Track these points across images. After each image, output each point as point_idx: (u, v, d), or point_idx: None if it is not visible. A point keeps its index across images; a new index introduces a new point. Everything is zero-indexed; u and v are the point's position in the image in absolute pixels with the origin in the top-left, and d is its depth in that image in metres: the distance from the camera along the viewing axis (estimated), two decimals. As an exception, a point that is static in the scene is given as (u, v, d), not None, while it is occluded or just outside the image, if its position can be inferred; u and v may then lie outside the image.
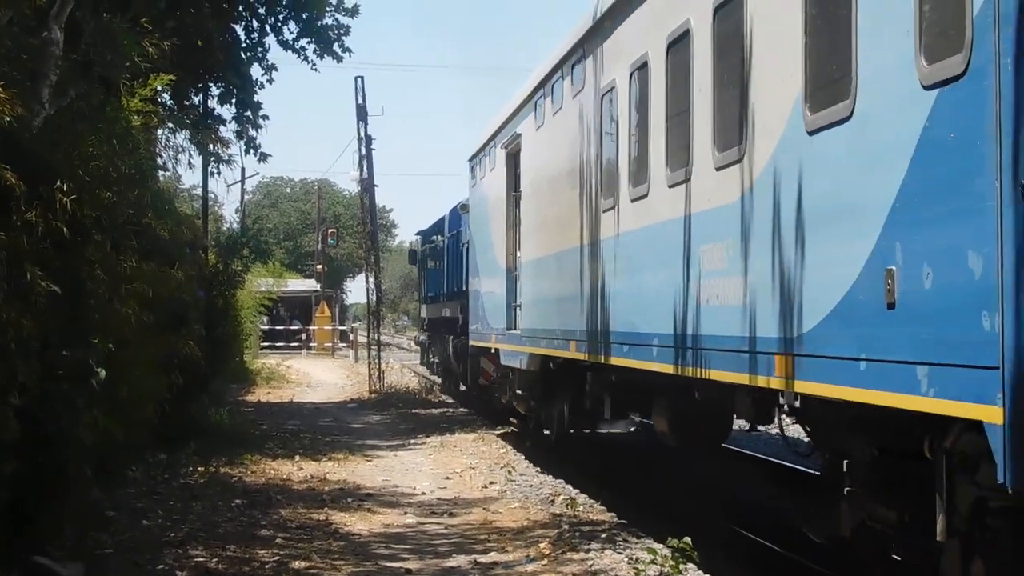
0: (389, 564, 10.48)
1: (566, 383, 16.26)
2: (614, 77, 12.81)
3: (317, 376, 42.40)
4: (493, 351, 21.40)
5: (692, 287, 10.04)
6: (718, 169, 9.43)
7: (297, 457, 17.95)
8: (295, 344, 62.74)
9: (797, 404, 8.11)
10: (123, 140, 12.23)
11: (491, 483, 15.51)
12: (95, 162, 10.81)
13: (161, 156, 18.64)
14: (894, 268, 6.60)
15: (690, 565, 9.55)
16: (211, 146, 23.62)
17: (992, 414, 5.63)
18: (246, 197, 71.55)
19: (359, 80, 36.36)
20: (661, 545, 10.27)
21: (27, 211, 8.74)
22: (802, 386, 7.79)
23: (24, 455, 8.83)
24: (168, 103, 19.47)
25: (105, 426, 10.66)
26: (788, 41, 8.02)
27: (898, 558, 7.70)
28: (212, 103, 23.35)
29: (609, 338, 12.94)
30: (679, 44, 10.50)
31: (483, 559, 10.66)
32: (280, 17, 23.31)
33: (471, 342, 24.17)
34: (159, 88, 15.01)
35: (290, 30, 23.46)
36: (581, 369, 15.06)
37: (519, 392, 19.30)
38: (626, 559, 10.26)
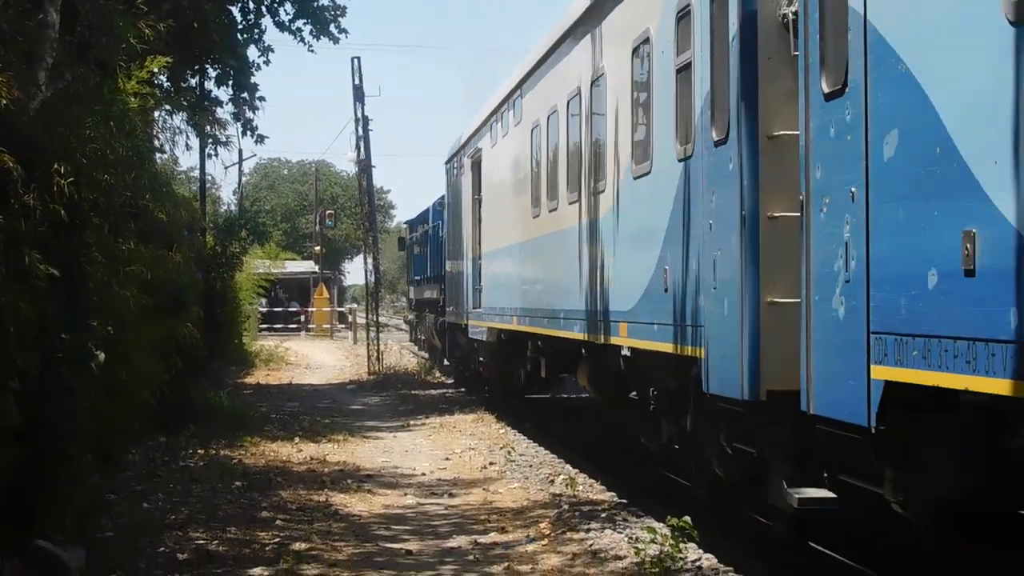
0: (389, 545, 10.50)
1: (516, 351, 19.50)
2: (538, 116, 16.92)
3: (316, 358, 42.42)
4: (463, 326, 24.73)
5: (582, 277, 14.08)
6: (592, 195, 13.67)
7: (296, 439, 17.97)
8: (293, 326, 62.73)
9: (629, 354, 12.10)
10: (120, 122, 12.19)
11: (491, 463, 15.53)
12: (92, 145, 10.78)
13: (158, 138, 18.63)
14: (667, 267, 10.66)
15: (690, 544, 9.56)
16: (208, 128, 23.60)
17: (700, 352, 9.61)
18: (243, 179, 71.42)
19: (356, 61, 36.31)
20: (661, 524, 10.29)
21: (24, 194, 8.72)
22: (631, 342, 11.94)
23: (24, 440, 8.83)
24: (165, 85, 19.42)
25: (104, 410, 10.67)
26: (624, 120, 12.46)
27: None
28: (209, 85, 23.30)
29: (536, 313, 17.09)
30: (574, 101, 14.67)
31: (483, 539, 10.68)
32: (276, -3, 23.25)
33: (448, 320, 27.93)
34: (156, 70, 14.96)
35: (286, 11, 23.41)
36: (524, 338, 18.43)
37: (482, 360, 23.60)
38: (626, 538, 10.29)
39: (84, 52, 12.51)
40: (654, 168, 11.22)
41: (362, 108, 36.47)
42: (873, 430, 6.81)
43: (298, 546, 10.22)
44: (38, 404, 9.11)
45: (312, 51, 24.93)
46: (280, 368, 36.58)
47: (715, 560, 9.55)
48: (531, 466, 15.29)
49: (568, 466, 15.15)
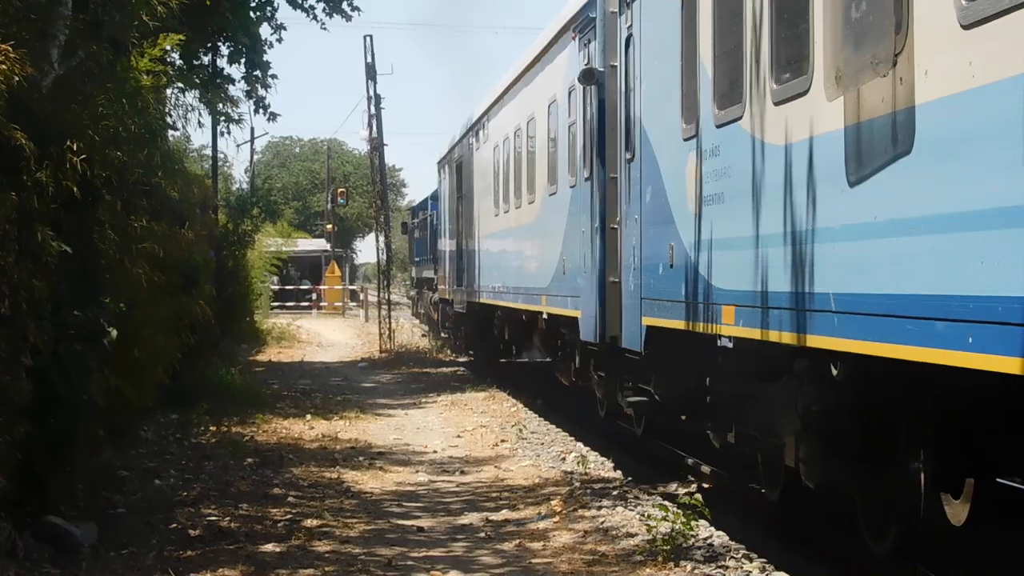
0: (401, 522, 10.50)
1: (487, 321, 24.33)
2: (498, 139, 21.82)
3: (327, 336, 42.48)
4: (449, 300, 30.12)
5: (524, 262, 19.24)
6: (528, 203, 18.87)
7: (308, 416, 17.99)
8: (305, 304, 62.78)
9: (547, 317, 17.37)
10: (133, 100, 12.17)
11: (502, 441, 15.54)
12: (105, 122, 10.77)
13: (171, 116, 18.56)
14: (564, 258, 15.60)
15: (702, 521, 9.55)
16: (220, 106, 23.56)
17: (577, 314, 14.51)
18: (255, 157, 71.47)
19: (368, 39, 36.25)
20: (672, 503, 10.27)
21: (37, 171, 8.71)
22: (548, 309, 17.02)
23: (36, 416, 8.84)
24: (177, 63, 19.37)
25: (117, 387, 10.69)
26: (543, 151, 17.51)
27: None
28: (221, 63, 23.26)
29: (497, 289, 21.92)
30: (520, 131, 19.49)
31: (495, 517, 10.68)
32: (288, -25, 23.18)
33: (439, 296, 33.54)
34: (168, 48, 14.93)
35: (298, -11, 23.34)
36: (492, 310, 23.12)
37: (461, 328, 29.84)
38: (638, 516, 10.27)
39: (97, 29, 12.47)
40: (559, 190, 16.37)
41: (374, 86, 36.43)
42: (641, 350, 12.00)
43: (310, 523, 10.23)
44: (50, 380, 9.12)
45: (325, 29, 24.90)
46: (292, 346, 36.63)
47: (726, 537, 9.54)
48: (543, 444, 15.29)
49: (580, 444, 15.14)
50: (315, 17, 23.73)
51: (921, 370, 6.54)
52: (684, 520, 9.27)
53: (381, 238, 37.88)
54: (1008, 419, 6.73)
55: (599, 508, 10.80)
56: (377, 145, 37.32)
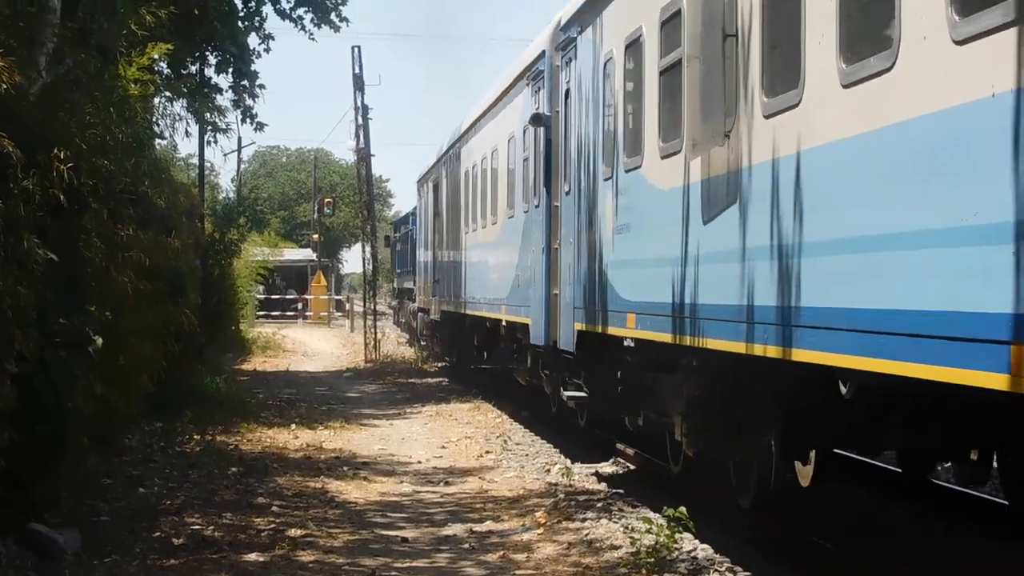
0: (385, 532, 10.49)
1: (459, 329, 26.59)
2: (468, 166, 24.36)
3: (313, 345, 42.42)
4: (426, 309, 32.63)
5: (488, 276, 21.39)
6: (492, 224, 21.13)
7: (293, 426, 17.96)
8: (291, 313, 62.74)
9: (505, 323, 19.63)
10: (120, 109, 12.18)
11: (487, 452, 15.52)
12: (92, 130, 10.78)
13: (158, 125, 18.52)
14: (518, 273, 17.85)
15: (686, 534, 9.55)
16: (208, 115, 23.54)
17: (528, 321, 16.70)
18: (242, 166, 71.38)
19: (356, 50, 36.30)
20: (657, 515, 10.27)
21: (24, 179, 8.70)
22: (507, 317, 19.23)
23: (21, 423, 8.82)
24: (165, 72, 19.37)
25: (102, 394, 10.65)
26: (503, 180, 19.87)
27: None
28: (209, 72, 23.30)
29: (467, 299, 23.99)
30: (486, 160, 21.96)
31: (479, 528, 10.67)
32: (277, -16, 23.20)
33: (418, 305, 36.40)
34: (156, 57, 14.93)
35: (287, -1, 23.37)
36: (462, 318, 25.16)
37: (436, 335, 32.11)
38: (622, 528, 10.26)
39: (85, 38, 12.47)
40: (515, 214, 18.63)
41: (362, 97, 36.47)
42: (573, 351, 14.39)
43: (294, 532, 10.21)
44: (36, 387, 9.10)
45: (313, 39, 24.88)
46: (277, 355, 36.58)
47: (711, 550, 9.53)
48: (527, 455, 15.28)
49: (564, 456, 15.13)
50: (303, 27, 23.79)
51: (771, 362, 8.35)
52: (668, 533, 9.27)
53: (367, 248, 37.88)
54: (839, 404, 8.49)
55: (583, 520, 10.79)
56: (364, 156, 37.33)
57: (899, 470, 11.87)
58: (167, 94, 19.53)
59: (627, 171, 11.99)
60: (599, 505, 11.56)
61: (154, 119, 17.58)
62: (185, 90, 21.57)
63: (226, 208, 32.01)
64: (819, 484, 9.78)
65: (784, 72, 8.20)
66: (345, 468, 14.08)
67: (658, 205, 11.06)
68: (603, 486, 12.81)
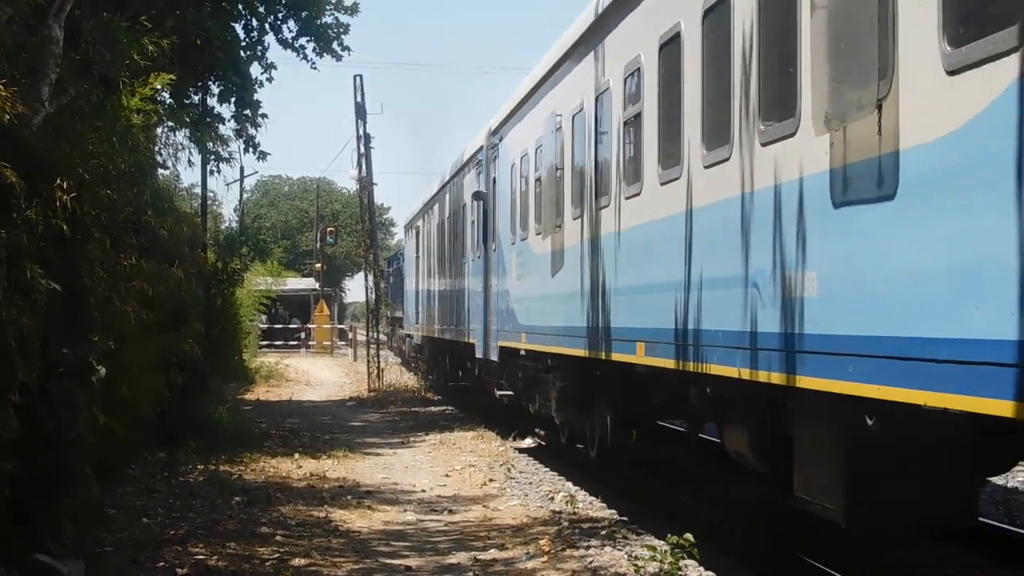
0: (389, 561, 10.47)
1: (436, 351, 32.75)
2: (443, 217, 29.59)
3: (316, 374, 42.39)
4: (411, 335, 39.82)
5: (453, 308, 26.51)
6: (452, 266, 26.92)
7: (296, 455, 17.94)
8: (294, 343, 62.72)
9: (463, 344, 25.06)
10: (123, 138, 12.21)
11: (491, 480, 15.50)
12: (95, 160, 10.79)
13: (161, 154, 18.62)
14: (470, 306, 23.86)
15: (690, 561, 9.53)
16: (210, 144, 23.60)
17: (475, 341, 22.69)
18: (245, 196, 71.46)
19: (358, 79, 36.37)
20: (661, 542, 10.25)
21: (27, 208, 8.72)
22: (463, 339, 24.73)
23: (24, 453, 8.81)
24: (168, 101, 19.42)
25: (105, 424, 10.65)
26: (469, 231, 24.21)
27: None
28: (212, 101, 23.35)
29: (440, 326, 29.67)
30: (456, 214, 26.61)
31: (483, 556, 10.65)
32: (280, 15, 23.25)
33: (404, 331, 43.96)
34: (159, 87, 14.98)
35: (289, 28, 23.42)
36: (441, 342, 30.60)
37: (420, 358, 38.32)
38: (626, 556, 10.25)
39: (88, 68, 12.52)
40: (468, 261, 24.25)
41: (364, 126, 36.53)
42: (498, 361, 20.16)
43: (297, 562, 10.19)
44: (39, 417, 9.10)
45: (315, 68, 24.93)
46: (280, 384, 36.55)
47: (715, 577, 9.53)
48: (531, 483, 15.26)
49: (569, 483, 15.12)
50: (305, 57, 23.82)
51: (599, 361, 13.42)
52: (672, 560, 9.25)
53: (370, 277, 37.87)
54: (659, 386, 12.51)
55: (587, 548, 10.77)
56: (366, 184, 37.38)
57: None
58: (170, 123, 19.61)
59: (522, 240, 18.09)
60: (603, 532, 11.55)
61: (157, 148, 17.66)
62: (188, 119, 21.62)
63: (229, 237, 31.91)
64: (642, 442, 13.74)
65: (579, 197, 14.32)
66: (349, 497, 14.06)
67: (534, 263, 17.10)
68: (608, 513, 12.79)
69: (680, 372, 10.36)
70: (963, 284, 5.81)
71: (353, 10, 23.99)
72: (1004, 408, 5.36)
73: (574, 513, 12.71)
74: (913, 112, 6.31)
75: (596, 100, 13.35)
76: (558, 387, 15.97)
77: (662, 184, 10.83)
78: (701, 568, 9.70)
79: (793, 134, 7.81)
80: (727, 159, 9.02)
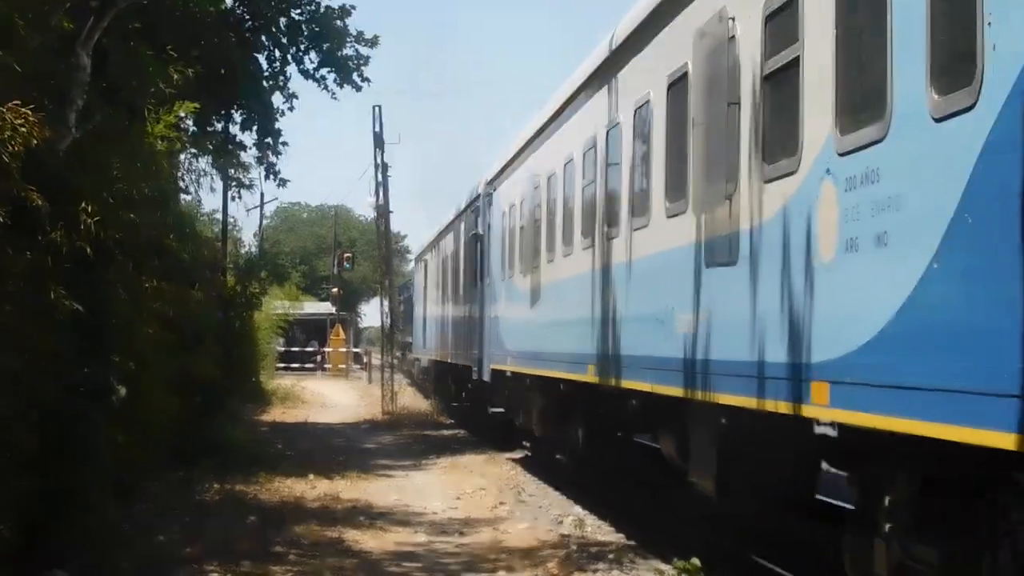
0: (400, 583, 10.41)
1: (441, 373, 34.67)
2: (441, 257, 32.40)
3: (331, 397, 42.37)
4: (419, 358, 43.02)
5: (455, 334, 28.60)
6: (454, 298, 29.13)
7: (311, 476, 17.87)
8: (310, 365, 62.74)
9: (462, 367, 27.12)
10: (147, 164, 12.25)
11: (501, 503, 15.43)
12: (119, 185, 10.81)
13: (183, 180, 18.69)
14: (469, 332, 25.67)
15: (697, 587, 9.46)
16: (232, 171, 23.67)
17: (472, 365, 24.88)
18: (264, 221, 71.60)
19: (376, 109, 36.49)
20: (668, 566, 10.17)
21: (52, 231, 8.72)
22: (462, 362, 26.81)
23: (43, 471, 8.78)
24: (191, 129, 19.48)
25: (123, 443, 10.63)
26: (463, 267, 26.94)
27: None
28: (234, 129, 23.44)
29: (441, 350, 31.96)
30: (452, 254, 29.39)
31: (492, 579, 10.59)
32: (302, 47, 23.34)
33: (414, 355, 46.16)
34: (183, 115, 15.03)
35: (311, 60, 23.53)
36: (444, 365, 32.48)
37: (427, 380, 40.71)
38: (633, 580, 10.17)
39: (114, 94, 12.57)
40: (466, 292, 25.97)
41: (381, 155, 36.64)
42: (489, 381, 22.31)
43: (310, 582, 10.13)
44: (57, 436, 9.07)
45: (335, 99, 25.05)
46: (296, 406, 36.50)
47: (721, 603, 9.45)
48: (540, 507, 15.19)
49: (577, 507, 15.03)
50: (326, 87, 23.89)
51: (573, 382, 14.74)
52: (679, 585, 9.18)
53: (385, 302, 37.89)
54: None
55: (595, 571, 10.70)
56: (383, 212, 37.48)
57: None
58: (193, 150, 19.70)
59: (509, 277, 20.26)
60: (611, 556, 11.47)
61: (179, 174, 17.71)
62: (210, 147, 21.73)
63: (248, 262, 32.03)
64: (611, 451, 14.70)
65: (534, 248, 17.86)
66: (361, 518, 14.00)
67: (518, 297, 19.11)
68: (616, 537, 12.72)
69: (619, 389, 12.41)
70: (777, 323, 7.96)
71: (373, 43, 24.06)
72: (809, 411, 7.50)
73: (582, 537, 12.64)
74: (746, 204, 8.62)
75: (564, 167, 15.73)
76: (537, 404, 18.07)
77: (606, 240, 13.27)
78: (707, 594, 9.63)
79: (683, 213, 10.09)
80: (645, 227, 11.50)
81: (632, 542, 12.37)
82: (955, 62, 5.88)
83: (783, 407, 7.77)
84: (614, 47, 12.85)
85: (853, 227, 6.85)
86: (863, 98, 6.96)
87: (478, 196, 24.19)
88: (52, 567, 9.13)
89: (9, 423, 8.27)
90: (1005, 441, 5.31)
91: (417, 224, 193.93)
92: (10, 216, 7.70)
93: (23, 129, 7.33)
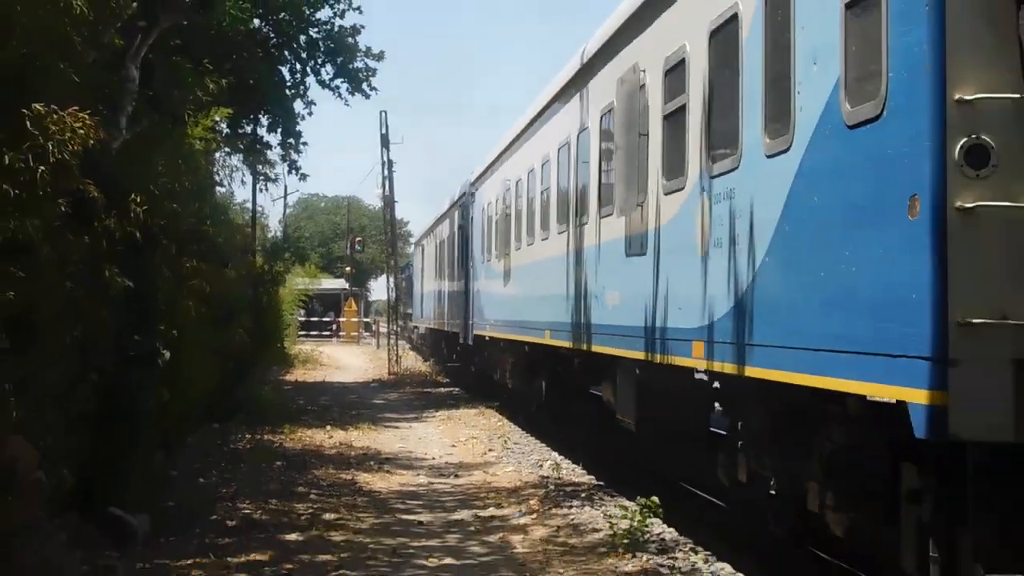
0: (405, 516, 10.46)
1: (436, 339, 35.24)
2: (438, 240, 32.03)
3: (345, 360, 42.33)
4: (417, 327, 43.72)
5: (446, 305, 29.04)
6: (446, 276, 29.41)
7: (328, 427, 17.92)
8: (327, 333, 62.57)
9: (451, 334, 28.32)
10: (187, 161, 12.20)
11: (490, 450, 15.48)
12: (163, 179, 10.77)
13: (218, 175, 18.57)
14: (456, 303, 26.35)
15: (655, 519, 9.53)
16: (259, 167, 23.57)
17: (458, 330, 26.33)
18: (287, 210, 71.42)
19: (383, 114, 36.41)
20: (632, 503, 10.26)
21: (106, 219, 8.70)
22: (451, 329, 28.33)
23: (101, 425, 8.82)
24: (225, 131, 19.41)
25: (168, 400, 10.64)
26: (452, 253, 27.93)
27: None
28: (261, 131, 23.34)
29: (438, 318, 31.52)
30: (446, 240, 29.79)
31: (483, 513, 10.64)
32: (319, 61, 23.26)
33: (414, 324, 46.26)
34: (218, 119, 14.97)
35: (327, 72, 23.44)
36: (439, 331, 32.85)
37: (424, 343, 41.85)
38: (602, 514, 10.25)
39: (159, 103, 12.51)
40: (455, 273, 26.59)
41: (387, 153, 36.61)
42: (472, 344, 23.83)
43: (328, 516, 10.19)
44: (113, 395, 9.09)
45: (348, 105, 24.96)
46: (315, 368, 36.48)
47: (676, 533, 9.52)
48: (523, 453, 15.25)
49: (555, 453, 15.09)
50: (340, 95, 23.80)
51: (537, 345, 15.80)
52: (640, 518, 9.25)
53: (391, 279, 37.79)
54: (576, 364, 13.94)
55: (570, 507, 10.77)
56: (389, 202, 37.41)
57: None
58: (226, 149, 19.59)
59: (487, 260, 21.23)
60: (583, 495, 11.53)
61: (215, 170, 17.61)
62: (241, 146, 21.63)
63: (274, 245, 31.95)
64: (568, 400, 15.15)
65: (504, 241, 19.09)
66: (371, 463, 14.05)
67: (495, 276, 20.16)
68: (587, 479, 12.78)
69: (568, 349, 13.64)
70: (672, 298, 9.22)
71: (380, 57, 23.97)
72: (689, 362, 8.78)
73: (559, 478, 12.70)
74: (653, 211, 9.73)
75: (528, 175, 16.95)
76: (508, 365, 19.47)
77: (558, 233, 14.45)
78: (664, 524, 9.70)
79: (612, 215, 11.19)
80: (586, 224, 12.67)
81: (601, 482, 12.44)
82: (779, 116, 7.01)
83: (676, 361, 9.06)
84: (560, 86, 14.33)
85: (718, 230, 8.02)
86: (724, 137, 8.07)
87: (464, 194, 25.47)
88: (109, 506, 9.16)
89: (74, 384, 8.28)
90: (811, 381, 6.46)
91: (417, 212, 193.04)
92: (71, 206, 7.67)
93: (81, 131, 7.30)
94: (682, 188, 8.86)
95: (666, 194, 9.35)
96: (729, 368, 7.79)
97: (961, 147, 5.29)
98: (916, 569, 5.85)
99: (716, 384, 9.22)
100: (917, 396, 5.32)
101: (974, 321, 5.22)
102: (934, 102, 5.33)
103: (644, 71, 9.95)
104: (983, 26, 5.34)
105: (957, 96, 5.30)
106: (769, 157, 7.11)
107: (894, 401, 5.63)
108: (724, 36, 7.98)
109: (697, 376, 9.23)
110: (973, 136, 5.29)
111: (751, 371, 7.39)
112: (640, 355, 10.06)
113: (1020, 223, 5.27)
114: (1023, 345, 5.23)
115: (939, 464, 5.64)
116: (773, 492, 7.94)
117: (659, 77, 9.55)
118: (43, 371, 7.60)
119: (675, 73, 9.15)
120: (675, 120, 9.18)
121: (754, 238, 7.35)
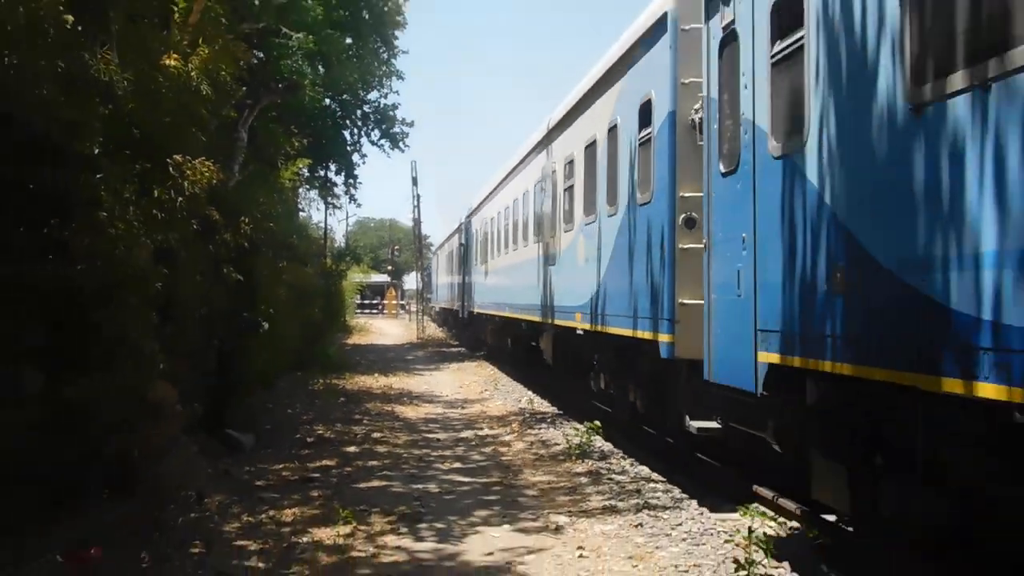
0: (427, 435, 10.44)
1: (447, 315, 34.32)
2: (447, 251, 31.58)
3: (387, 330, 42.14)
4: (435, 306, 41.60)
5: (451, 292, 28.91)
6: (455, 272, 27.28)
7: (375, 375, 17.84)
8: (375, 311, 62.36)
9: (453, 310, 28.82)
10: (280, 195, 12.11)
11: (485, 390, 15.45)
12: (263, 206, 10.71)
13: (300, 204, 18.40)
14: (458, 290, 26.05)
15: (597, 437, 9.54)
16: (328, 199, 23.41)
17: (457, 307, 28.15)
18: (348, 227, 71.10)
19: (413, 163, 36.27)
20: (581, 426, 10.27)
21: (224, 234, 8.66)
22: (453, 306, 28.54)
23: (221, 375, 8.78)
24: (305, 174, 19.31)
25: (266, 357, 10.58)
26: (459, 258, 26.13)
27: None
28: (330, 174, 23.17)
29: (451, 299, 30.13)
30: (456, 249, 27.23)
31: (480, 432, 10.62)
32: (369, 127, 23.11)
33: (431, 305, 44.08)
34: (301, 167, 14.88)
35: (375, 134, 23.28)
36: (448, 310, 32.72)
37: (439, 319, 40.85)
38: (561, 434, 10.24)
39: (260, 154, 12.42)
40: (458, 271, 26.38)
41: (416, 189, 36.44)
42: (467, 318, 24.54)
43: (376, 434, 10.16)
44: (229, 355, 9.05)
45: (388, 156, 24.92)
46: (367, 335, 36.29)
47: (612, 446, 9.52)
48: (508, 392, 15.20)
49: (530, 392, 15.07)
50: (384, 150, 23.67)
51: (505, 317, 16.54)
52: (587, 436, 9.26)
53: (419, 275, 37.59)
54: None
55: (540, 429, 10.76)
56: (416, 222, 37.20)
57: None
58: (306, 187, 19.43)
59: (476, 264, 21.62)
60: (549, 420, 11.52)
61: (298, 201, 17.48)
62: (316, 185, 21.47)
63: (339, 251, 31.85)
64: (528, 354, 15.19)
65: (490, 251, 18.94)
66: (405, 399, 14.00)
67: (481, 274, 20.52)
68: (552, 409, 12.76)
69: (519, 319, 14.90)
70: (567, 289, 10.96)
71: (411, 124, 23.84)
72: (575, 324, 10.43)
73: (533, 409, 12.68)
74: (559, 240, 11.44)
75: (497, 214, 17.74)
76: (489, 330, 20.71)
77: (513, 250, 15.68)
78: (604, 440, 9.70)
79: (538, 242, 12.89)
80: (526, 246, 14.18)
81: (561, 412, 12.43)
82: (612, 197, 9.11)
83: (569, 324, 10.73)
84: (512, 167, 15.61)
85: (589, 251, 9.84)
86: (591, 203, 9.90)
87: (462, 222, 26.39)
88: (226, 428, 9.13)
89: (204, 349, 8.25)
90: (628, 332, 8.28)
91: (436, 227, 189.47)
92: (200, 225, 7.64)
93: (207, 174, 7.28)
94: (571, 228, 10.92)
95: (564, 232, 11.35)
96: (593, 327, 9.62)
97: (683, 218, 7.13)
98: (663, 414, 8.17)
99: (585, 334, 10.47)
100: (663, 337, 7.37)
101: (685, 302, 7.06)
102: (671, 196, 7.32)
103: (555, 163, 11.94)
104: (690, 161, 7.11)
105: (681, 193, 7.19)
106: (609, 216, 9.17)
107: (658, 340, 7.50)
108: (591, 150, 10.01)
109: (578, 332, 10.53)
110: (688, 213, 7.12)
111: (603, 328, 9.25)
112: (553, 322, 11.86)
113: (699, 254, 6.61)
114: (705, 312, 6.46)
115: (673, 364, 7.40)
116: (612, 392, 9.74)
117: (561, 167, 11.56)
118: (181, 338, 7.57)
119: (569, 166, 11.13)
120: (569, 191, 11.17)
121: (602, 257, 9.36)
